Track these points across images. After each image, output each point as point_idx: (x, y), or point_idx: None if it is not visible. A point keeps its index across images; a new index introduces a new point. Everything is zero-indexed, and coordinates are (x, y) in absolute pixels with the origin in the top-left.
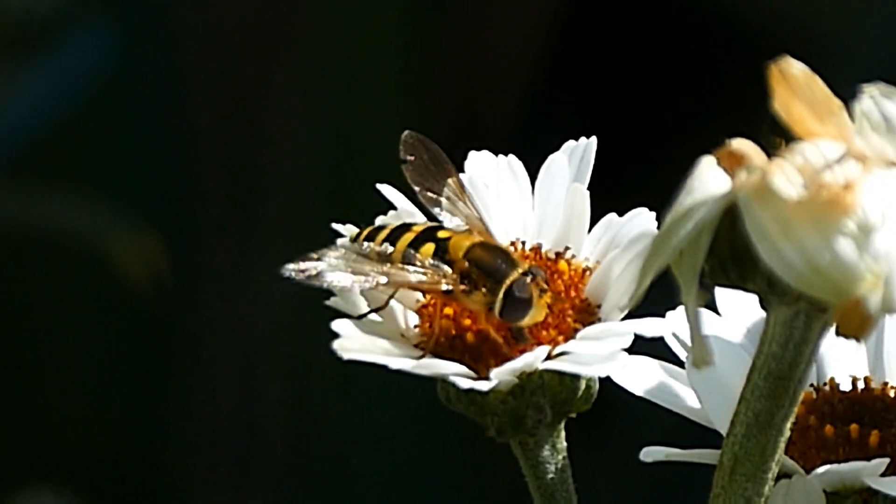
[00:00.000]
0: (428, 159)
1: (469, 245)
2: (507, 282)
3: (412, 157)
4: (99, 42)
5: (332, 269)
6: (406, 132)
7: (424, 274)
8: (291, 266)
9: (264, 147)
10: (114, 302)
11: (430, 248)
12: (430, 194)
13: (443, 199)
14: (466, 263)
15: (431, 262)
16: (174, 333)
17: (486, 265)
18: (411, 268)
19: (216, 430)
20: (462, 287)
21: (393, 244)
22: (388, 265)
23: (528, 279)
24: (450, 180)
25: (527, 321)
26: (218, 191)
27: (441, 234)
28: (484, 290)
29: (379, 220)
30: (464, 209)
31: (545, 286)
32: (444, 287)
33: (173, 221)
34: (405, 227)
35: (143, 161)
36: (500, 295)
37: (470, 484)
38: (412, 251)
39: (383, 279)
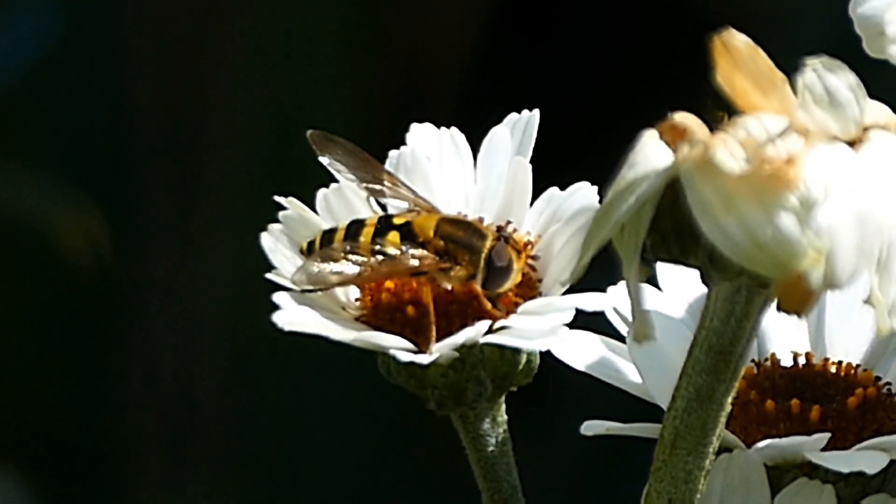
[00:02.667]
0: (347, 153)
1: (435, 223)
2: (485, 251)
3: (333, 154)
4: (40, 16)
5: (335, 272)
6: (310, 131)
7: (418, 259)
8: (299, 277)
9: (207, 122)
10: (54, 276)
11: (395, 235)
12: (366, 185)
13: (384, 188)
14: (441, 241)
15: (404, 248)
16: (115, 308)
17: (460, 239)
18: (403, 255)
19: (157, 404)
20: (444, 265)
21: (356, 239)
22: (373, 259)
23: (505, 245)
24: (380, 171)
25: (507, 286)
26: (160, 165)
27: (397, 221)
28: (464, 263)
29: (320, 195)
30: (407, 193)
31: (518, 248)
32: (443, 266)
33: (114, 196)
34: (358, 223)
35: (84, 135)
36: (482, 265)
37: (412, 456)
38: (379, 243)
39: (385, 270)
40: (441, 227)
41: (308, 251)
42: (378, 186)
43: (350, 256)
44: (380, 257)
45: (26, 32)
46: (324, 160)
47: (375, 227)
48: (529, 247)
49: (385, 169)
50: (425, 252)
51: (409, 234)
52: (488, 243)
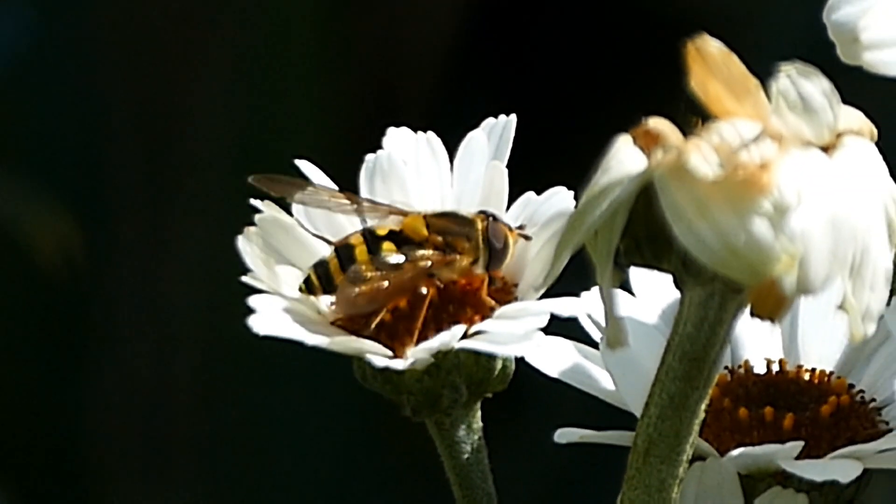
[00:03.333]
0: (295, 187)
1: (424, 221)
2: (481, 234)
3: (285, 193)
4: (13, 20)
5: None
6: (252, 177)
7: (428, 259)
8: (343, 309)
9: (180, 124)
10: (26, 282)
11: (389, 245)
12: (338, 211)
13: (362, 204)
14: (438, 236)
15: (406, 254)
16: (88, 313)
17: (454, 229)
18: (415, 259)
19: (131, 408)
20: (448, 258)
21: (351, 263)
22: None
23: (496, 223)
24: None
25: (507, 262)
26: (132, 168)
27: (382, 232)
28: (464, 250)
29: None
30: (376, 206)
31: (508, 224)
32: (448, 259)
33: (88, 201)
34: (346, 248)
35: (57, 140)
36: (483, 248)
37: (387, 463)
38: (380, 257)
39: (408, 276)
40: (431, 223)
41: (308, 289)
42: (347, 208)
43: (368, 275)
44: (390, 268)
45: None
46: (289, 200)
47: (364, 244)
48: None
49: (339, 191)
50: (427, 251)
51: (402, 239)
52: (480, 226)
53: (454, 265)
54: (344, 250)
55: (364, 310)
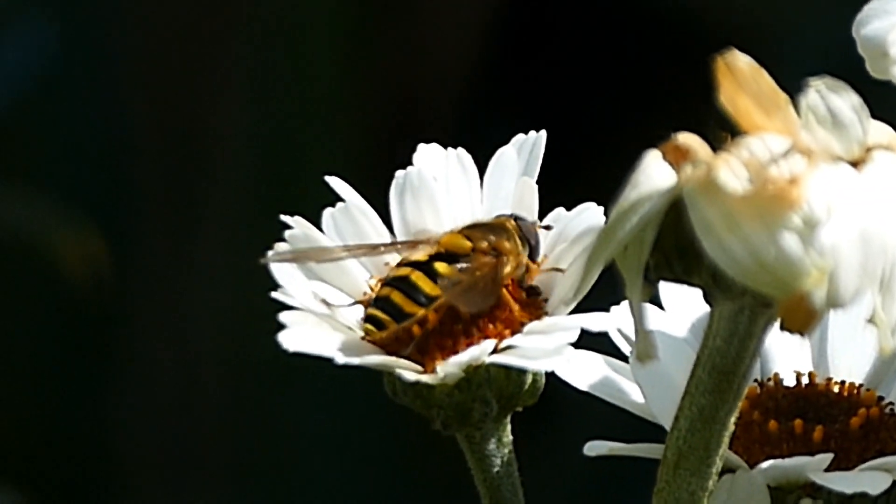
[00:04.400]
0: (316, 254)
1: (461, 235)
2: (515, 232)
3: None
4: (37, 37)
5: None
6: (271, 254)
7: (487, 265)
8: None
9: (204, 141)
10: (53, 297)
11: (444, 266)
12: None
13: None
14: (483, 244)
15: (461, 269)
16: (113, 327)
17: (492, 237)
18: (489, 261)
19: (155, 425)
20: (501, 262)
21: (413, 290)
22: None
23: (525, 222)
24: (354, 248)
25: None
26: (158, 185)
27: (423, 258)
28: (508, 253)
29: (326, 214)
30: (400, 244)
31: (526, 218)
32: (501, 263)
33: (113, 216)
34: (401, 280)
35: (82, 155)
36: (522, 246)
37: (415, 477)
38: (438, 279)
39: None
40: (470, 235)
41: (377, 327)
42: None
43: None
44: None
45: (24, 52)
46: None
47: (415, 270)
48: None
49: (356, 245)
50: (481, 259)
51: (450, 258)
52: (511, 227)
53: (504, 269)
54: (398, 282)
55: (485, 304)
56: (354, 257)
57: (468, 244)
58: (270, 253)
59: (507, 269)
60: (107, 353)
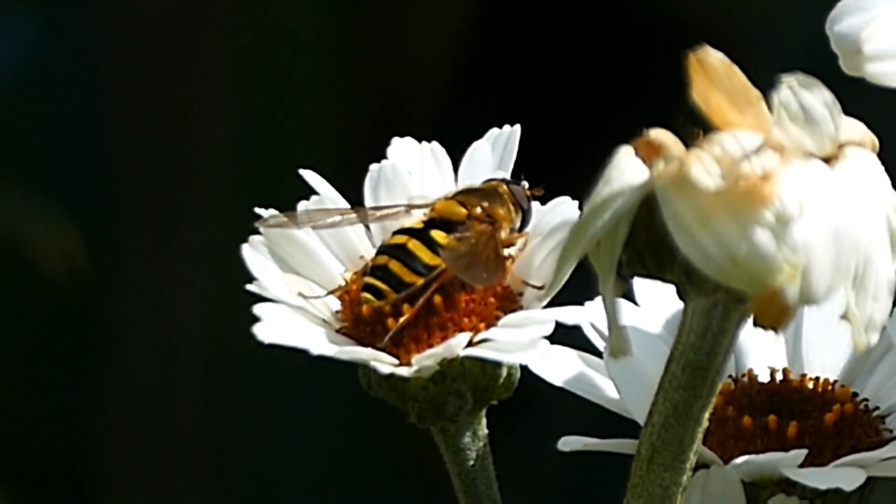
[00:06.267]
0: (307, 218)
1: (456, 202)
2: (508, 198)
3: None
4: (18, 31)
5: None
6: (259, 222)
7: (485, 232)
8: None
9: (185, 137)
10: (31, 292)
11: (441, 235)
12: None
13: (370, 212)
14: (478, 210)
15: (458, 236)
16: (93, 325)
17: (485, 201)
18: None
19: (135, 419)
20: (496, 227)
21: (412, 259)
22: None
23: (515, 185)
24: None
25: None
26: (138, 180)
27: (417, 225)
28: (501, 217)
29: (301, 207)
30: (392, 207)
31: (513, 180)
32: (496, 228)
33: (92, 212)
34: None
35: (62, 151)
36: (515, 209)
37: (392, 470)
38: (441, 246)
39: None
40: (464, 201)
41: (376, 296)
42: (355, 220)
43: (464, 241)
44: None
45: (3, 49)
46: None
47: (412, 238)
48: (510, 260)
49: (349, 208)
50: (477, 227)
51: (444, 223)
52: (504, 191)
53: (500, 233)
54: (395, 250)
55: (491, 278)
56: (349, 224)
57: (463, 211)
58: (263, 214)
59: (503, 235)
60: (86, 348)
